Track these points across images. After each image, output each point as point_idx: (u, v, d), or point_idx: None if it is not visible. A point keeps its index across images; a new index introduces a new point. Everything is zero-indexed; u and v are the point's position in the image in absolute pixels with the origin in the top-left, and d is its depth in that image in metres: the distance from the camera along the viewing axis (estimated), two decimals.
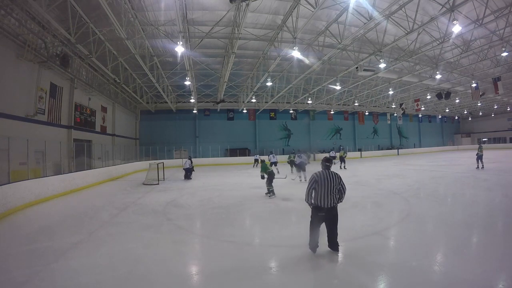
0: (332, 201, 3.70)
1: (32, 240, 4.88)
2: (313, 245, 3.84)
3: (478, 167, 14.03)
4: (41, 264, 3.80)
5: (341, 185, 3.77)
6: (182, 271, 3.66)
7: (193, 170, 14.99)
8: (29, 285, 3.23)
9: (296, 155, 13.32)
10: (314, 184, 3.71)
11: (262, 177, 8.76)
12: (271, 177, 8.46)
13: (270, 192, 8.44)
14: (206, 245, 4.69)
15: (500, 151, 29.82)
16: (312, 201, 3.77)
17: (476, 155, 14.44)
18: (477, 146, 15.39)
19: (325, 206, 3.66)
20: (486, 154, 26.21)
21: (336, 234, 3.81)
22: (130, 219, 6.33)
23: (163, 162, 14.52)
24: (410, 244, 4.19)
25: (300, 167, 11.96)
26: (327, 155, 22.96)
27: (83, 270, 3.61)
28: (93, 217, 6.59)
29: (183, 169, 14.84)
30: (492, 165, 15.57)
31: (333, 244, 3.82)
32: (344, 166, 17.31)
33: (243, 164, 24.61)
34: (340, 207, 3.91)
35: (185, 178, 14.33)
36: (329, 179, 3.68)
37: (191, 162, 14.92)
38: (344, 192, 3.81)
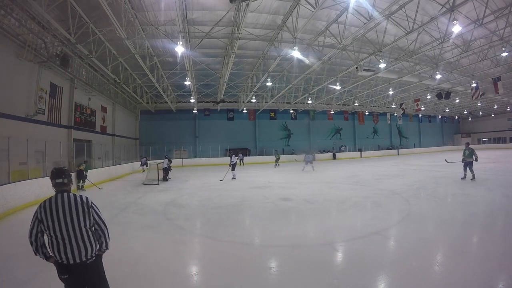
0: (82, 252, 1.95)
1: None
2: None
3: (465, 177, 9.98)
4: (41, 264, 3.77)
5: (95, 219, 2.11)
6: (182, 271, 3.65)
7: (170, 170, 14.43)
8: (29, 285, 3.24)
9: (232, 156, 14.75)
10: (38, 225, 1.97)
11: None
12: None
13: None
14: (206, 245, 4.68)
15: (500, 151, 29.81)
16: (50, 252, 2.00)
17: (462, 161, 10.09)
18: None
19: (70, 261, 1.93)
20: (486, 154, 24.66)
21: None
22: (130, 219, 6.34)
23: (163, 162, 14.50)
24: (410, 244, 4.18)
25: (232, 167, 14.31)
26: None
27: None
28: None
29: (162, 169, 13.80)
30: (492, 165, 15.56)
31: None
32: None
33: (243, 164, 24.61)
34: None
35: (163, 179, 13.37)
36: (65, 210, 1.98)
37: (169, 161, 14.47)
38: (104, 232, 2.14)
